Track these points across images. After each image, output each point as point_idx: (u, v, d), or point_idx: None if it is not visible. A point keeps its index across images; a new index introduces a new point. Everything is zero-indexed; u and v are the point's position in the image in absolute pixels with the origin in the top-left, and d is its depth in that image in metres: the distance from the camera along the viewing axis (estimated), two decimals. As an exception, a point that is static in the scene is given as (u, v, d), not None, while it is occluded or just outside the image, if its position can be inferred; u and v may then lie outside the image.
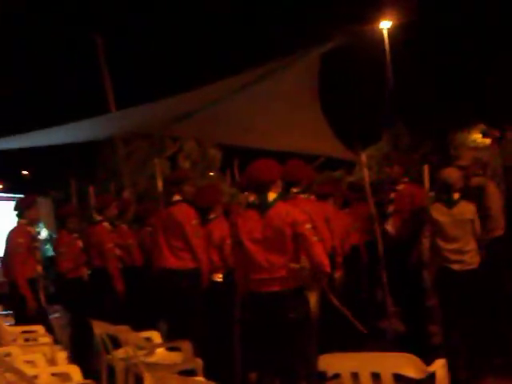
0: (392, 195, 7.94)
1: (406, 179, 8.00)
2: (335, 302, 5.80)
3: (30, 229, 7.88)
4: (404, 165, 8.23)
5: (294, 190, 6.39)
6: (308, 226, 5.17)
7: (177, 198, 6.87)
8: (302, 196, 6.49)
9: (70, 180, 10.21)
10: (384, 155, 24.76)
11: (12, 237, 7.79)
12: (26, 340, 6.69)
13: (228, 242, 6.74)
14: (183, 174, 7.83)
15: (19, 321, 7.59)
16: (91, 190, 9.33)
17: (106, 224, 8.21)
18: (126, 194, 10.10)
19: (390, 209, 7.92)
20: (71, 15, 22.54)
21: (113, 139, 11.14)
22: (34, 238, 7.92)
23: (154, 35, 23.82)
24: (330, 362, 3.92)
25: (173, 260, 6.73)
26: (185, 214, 6.76)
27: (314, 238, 5.15)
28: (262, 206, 5.20)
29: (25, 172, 27.91)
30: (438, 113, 23.87)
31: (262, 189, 5.23)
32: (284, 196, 5.54)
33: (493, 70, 22.96)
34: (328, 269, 5.16)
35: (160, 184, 8.47)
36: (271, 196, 5.21)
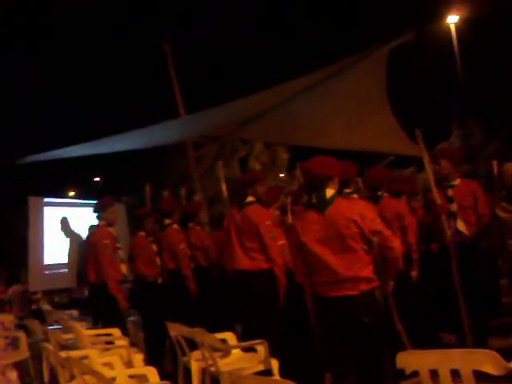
0: (450, 192, 7.34)
1: (458, 174, 7.48)
2: (394, 311, 5.70)
3: (110, 229, 8.01)
4: (452, 159, 7.51)
5: (347, 191, 6.30)
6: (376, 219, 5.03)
7: (250, 199, 6.84)
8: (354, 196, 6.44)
9: (144, 184, 10.35)
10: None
11: (97, 239, 7.92)
12: (103, 343, 6.81)
13: (280, 243, 6.77)
14: (256, 174, 7.77)
15: (104, 324, 7.72)
16: (166, 194, 9.44)
17: (175, 226, 8.32)
18: (197, 198, 10.16)
19: (453, 207, 7.29)
20: (140, 25, 22.96)
21: (183, 143, 11.22)
22: (115, 238, 8.04)
23: (220, 39, 24.00)
24: (408, 360, 3.86)
25: (246, 261, 6.70)
26: (259, 215, 6.72)
27: (389, 231, 5.05)
28: (320, 204, 5.08)
29: (96, 178, 28.41)
30: (510, 109, 23.37)
31: (318, 186, 5.09)
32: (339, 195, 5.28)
33: None
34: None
35: (224, 187, 8.50)
36: (329, 192, 5.08)
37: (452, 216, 7.23)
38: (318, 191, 5.05)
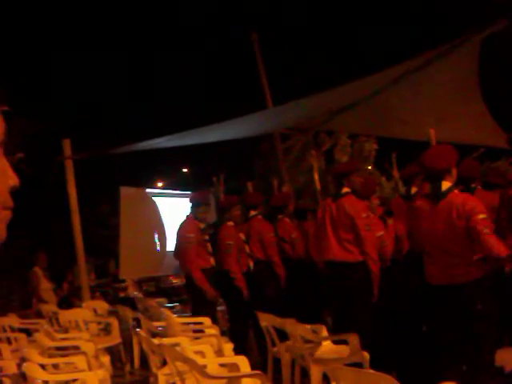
0: None
1: None
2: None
3: (197, 222, 8.12)
4: None
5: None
6: (482, 216, 5.00)
7: (346, 189, 6.78)
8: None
9: (219, 176, 10.52)
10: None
11: (182, 232, 8.09)
12: (194, 331, 6.92)
13: (379, 234, 6.71)
14: (352, 165, 7.69)
15: (194, 313, 7.86)
16: (250, 186, 9.48)
17: (260, 217, 8.41)
18: (286, 189, 10.17)
19: None
20: (228, 13, 23.04)
21: (272, 135, 11.26)
22: (202, 231, 8.15)
23: (309, 29, 23.85)
24: (509, 357, 3.80)
25: (341, 252, 6.64)
26: (355, 207, 6.67)
27: (486, 230, 4.99)
28: (436, 196, 5.10)
29: (184, 169, 28.73)
30: None
31: (435, 177, 5.13)
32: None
33: None
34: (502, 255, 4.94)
35: (316, 177, 8.47)
36: (445, 185, 5.09)
37: None
38: (434, 183, 5.13)
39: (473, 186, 7.07)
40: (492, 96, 8.65)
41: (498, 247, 4.97)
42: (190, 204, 8.27)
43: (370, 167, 15.55)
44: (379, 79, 7.38)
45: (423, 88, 7.62)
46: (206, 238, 8.14)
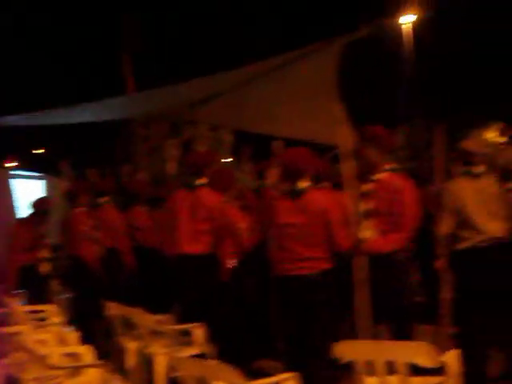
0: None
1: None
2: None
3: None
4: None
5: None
6: (335, 213, 5.45)
7: (202, 181, 6.73)
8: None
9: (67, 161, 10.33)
10: (399, 148, 24.71)
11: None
12: (37, 320, 6.69)
13: (241, 226, 6.73)
14: (209, 156, 7.62)
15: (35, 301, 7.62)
16: (93, 172, 9.32)
17: (110, 204, 8.32)
18: (141, 176, 10.06)
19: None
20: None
21: (131, 121, 11.11)
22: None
23: (181, 19, 23.63)
24: (344, 350, 3.90)
25: (194, 244, 6.56)
26: (211, 199, 6.65)
27: (339, 227, 5.42)
28: (293, 193, 5.40)
29: (38, 151, 27.94)
30: (456, 109, 23.71)
31: (293, 175, 5.45)
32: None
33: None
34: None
35: (171, 166, 8.43)
36: (302, 183, 5.42)
37: None
38: (292, 180, 5.46)
39: (326, 184, 7.33)
40: (349, 100, 8.86)
41: (347, 242, 5.46)
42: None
43: (228, 159, 15.68)
44: (242, 73, 7.43)
45: (282, 86, 7.71)
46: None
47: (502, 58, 23.39)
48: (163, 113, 10.21)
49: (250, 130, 10.12)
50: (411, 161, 18.47)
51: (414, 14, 21.86)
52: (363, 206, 5.90)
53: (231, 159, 15.99)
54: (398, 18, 21.80)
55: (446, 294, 6.70)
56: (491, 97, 23.69)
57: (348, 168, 5.97)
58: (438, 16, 22.24)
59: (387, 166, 6.05)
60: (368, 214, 5.87)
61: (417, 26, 22.09)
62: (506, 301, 5.77)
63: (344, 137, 8.55)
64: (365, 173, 6.07)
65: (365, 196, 5.94)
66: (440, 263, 6.49)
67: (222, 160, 16.07)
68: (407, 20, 21.89)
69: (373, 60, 23.60)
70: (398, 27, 22.02)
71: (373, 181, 5.99)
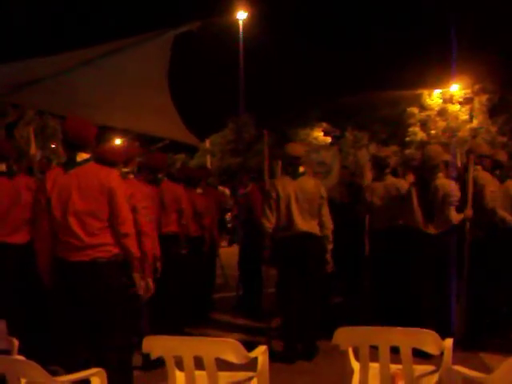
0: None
1: None
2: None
3: None
4: None
5: (125, 170, 6.41)
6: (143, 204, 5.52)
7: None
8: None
9: None
10: (228, 143, 25.11)
11: None
12: None
13: None
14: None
15: None
16: None
17: None
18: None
19: None
20: None
21: None
22: None
23: None
24: (153, 344, 3.88)
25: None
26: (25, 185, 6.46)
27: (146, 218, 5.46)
28: (68, 165, 5.14)
29: None
30: (286, 107, 24.39)
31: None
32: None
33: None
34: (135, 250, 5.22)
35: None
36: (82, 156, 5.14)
37: None
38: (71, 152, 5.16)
39: (160, 176, 7.45)
40: (179, 92, 8.91)
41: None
42: None
43: (53, 145, 15.28)
44: (71, 58, 7.24)
45: (112, 75, 7.60)
46: None
47: (332, 58, 24.32)
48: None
49: (78, 117, 9.89)
50: (237, 156, 18.86)
51: (246, 12, 22.25)
52: None
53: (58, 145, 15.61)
54: (232, 14, 22.09)
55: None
56: (320, 96, 24.58)
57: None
58: (270, 14, 22.78)
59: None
60: None
61: (249, 23, 22.49)
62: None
63: (176, 130, 8.64)
64: None
65: None
66: (266, 253, 7.21)
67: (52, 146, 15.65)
68: (240, 17, 22.23)
69: (205, 54, 23.79)
70: (232, 23, 22.31)
71: None
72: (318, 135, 26.87)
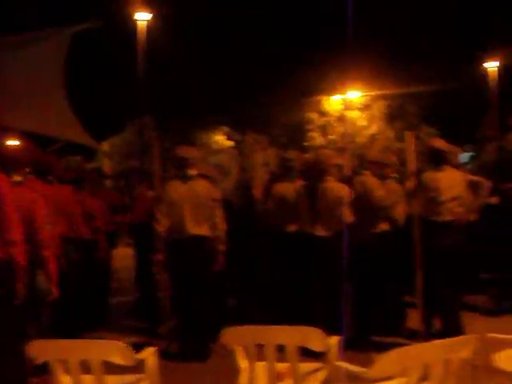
0: None
1: None
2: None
3: None
4: None
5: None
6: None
7: None
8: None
9: None
10: (127, 145, 24.87)
11: None
12: None
13: None
14: None
15: None
16: None
17: None
18: None
19: None
20: None
21: None
22: None
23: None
24: (38, 349, 3.82)
25: None
26: None
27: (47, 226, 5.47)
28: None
29: None
30: (187, 110, 24.34)
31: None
32: None
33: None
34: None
35: None
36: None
37: None
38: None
39: (50, 178, 7.39)
40: (77, 93, 8.80)
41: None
42: None
43: None
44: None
45: (7, 71, 7.44)
46: None
47: (234, 62, 24.42)
48: None
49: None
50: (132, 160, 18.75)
51: (150, 13, 22.10)
52: None
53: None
54: (134, 14, 21.89)
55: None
56: (221, 100, 24.64)
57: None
58: (173, 16, 22.70)
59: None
60: None
61: (152, 25, 22.34)
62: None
63: (72, 131, 8.52)
64: None
65: None
66: (159, 256, 7.33)
67: None
68: (142, 17, 22.03)
69: (106, 54, 23.51)
70: (133, 24, 22.09)
71: None
72: (219, 139, 26.95)
